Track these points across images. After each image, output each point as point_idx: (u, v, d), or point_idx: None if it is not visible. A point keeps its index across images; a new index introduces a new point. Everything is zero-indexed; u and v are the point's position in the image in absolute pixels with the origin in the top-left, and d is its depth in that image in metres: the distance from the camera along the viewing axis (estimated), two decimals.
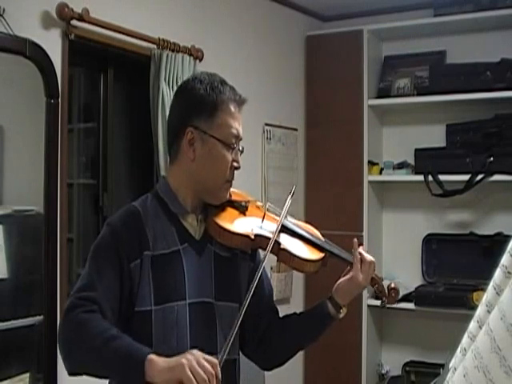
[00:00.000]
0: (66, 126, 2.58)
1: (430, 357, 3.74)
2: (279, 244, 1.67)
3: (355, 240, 1.78)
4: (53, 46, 2.49)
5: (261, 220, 1.73)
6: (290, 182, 3.91)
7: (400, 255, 4.02)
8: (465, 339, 0.94)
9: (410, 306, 3.71)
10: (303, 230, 1.78)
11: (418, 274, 3.91)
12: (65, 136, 2.55)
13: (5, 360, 2.41)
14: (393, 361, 3.91)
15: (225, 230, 1.64)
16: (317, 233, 1.83)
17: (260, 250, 1.74)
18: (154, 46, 2.89)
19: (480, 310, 0.92)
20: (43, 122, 2.45)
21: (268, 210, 1.79)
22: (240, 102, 1.67)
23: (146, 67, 2.89)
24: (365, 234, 3.87)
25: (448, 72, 3.73)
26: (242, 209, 1.73)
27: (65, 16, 2.50)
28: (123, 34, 2.76)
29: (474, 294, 3.44)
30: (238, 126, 1.65)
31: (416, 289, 3.77)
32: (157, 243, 1.58)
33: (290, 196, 1.77)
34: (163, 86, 2.85)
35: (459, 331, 1.03)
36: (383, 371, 3.92)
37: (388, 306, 1.90)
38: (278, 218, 1.72)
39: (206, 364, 1.36)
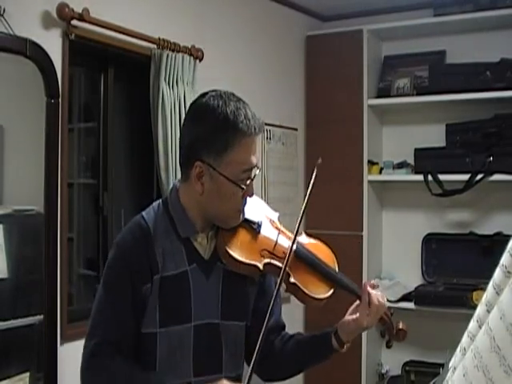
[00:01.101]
0: (66, 125, 2.58)
1: (430, 356, 3.75)
2: (289, 276, 1.61)
3: (365, 282, 1.70)
4: (53, 45, 2.49)
5: (274, 241, 1.65)
6: (290, 182, 3.91)
7: (400, 255, 4.02)
8: (464, 339, 0.94)
9: (410, 305, 3.71)
10: (317, 257, 1.70)
11: (417, 273, 3.91)
12: (65, 136, 2.55)
13: (5, 360, 2.40)
14: (393, 360, 3.91)
15: (233, 258, 1.57)
16: (331, 257, 1.75)
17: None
18: (154, 46, 2.89)
19: (480, 310, 0.92)
20: (43, 121, 2.45)
21: (283, 224, 1.71)
22: (256, 133, 1.54)
23: (146, 67, 2.89)
24: (365, 233, 3.87)
25: (448, 72, 3.73)
26: (255, 230, 1.64)
27: (65, 16, 2.49)
28: (123, 33, 2.76)
29: (474, 293, 3.44)
30: (252, 159, 1.55)
31: (416, 288, 3.77)
32: (165, 263, 1.55)
33: (314, 173, 1.70)
34: (163, 85, 2.85)
35: (459, 331, 1.03)
36: (383, 371, 3.92)
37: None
38: (291, 235, 1.64)
39: None
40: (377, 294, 1.65)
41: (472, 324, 0.93)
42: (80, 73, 3.03)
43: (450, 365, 0.96)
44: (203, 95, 1.57)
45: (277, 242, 1.65)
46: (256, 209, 1.69)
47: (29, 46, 2.34)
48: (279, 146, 3.90)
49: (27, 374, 2.44)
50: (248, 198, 1.60)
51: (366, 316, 1.63)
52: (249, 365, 1.75)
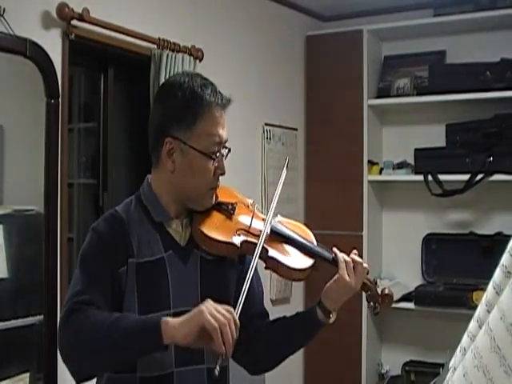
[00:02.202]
0: (66, 125, 2.58)
1: (430, 356, 3.75)
2: (267, 251, 1.61)
3: (334, 248, 1.68)
4: (53, 46, 2.49)
5: (249, 222, 1.66)
6: (290, 182, 3.91)
7: (400, 255, 4.02)
8: (464, 339, 0.94)
9: (410, 305, 3.72)
10: (293, 232, 1.71)
11: (417, 273, 3.91)
12: (65, 136, 2.55)
13: (5, 360, 2.41)
14: (393, 360, 3.91)
15: (209, 238, 1.58)
16: (308, 233, 1.75)
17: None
18: (154, 46, 2.89)
19: (480, 310, 0.92)
20: (43, 122, 2.45)
21: (257, 208, 1.72)
22: (223, 105, 1.58)
23: (146, 67, 2.89)
24: (365, 233, 3.87)
25: (448, 72, 3.73)
26: (228, 212, 1.66)
27: (65, 16, 2.50)
28: (123, 33, 2.76)
29: (474, 293, 3.44)
30: (221, 132, 1.57)
31: (416, 288, 3.77)
32: (141, 250, 1.55)
33: (284, 169, 1.70)
34: None
35: (459, 331, 1.03)
36: (383, 371, 3.92)
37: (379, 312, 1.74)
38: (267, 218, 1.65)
39: (222, 310, 1.36)
40: (355, 256, 1.64)
41: (472, 324, 0.93)
42: (80, 73, 3.04)
43: (450, 365, 0.96)
44: (169, 77, 1.61)
45: (252, 221, 1.66)
46: (229, 195, 1.72)
47: (29, 46, 2.34)
48: (279, 146, 3.90)
49: (27, 374, 2.45)
50: (221, 189, 1.63)
51: (346, 274, 1.60)
52: (233, 357, 1.72)
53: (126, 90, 3.12)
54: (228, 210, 1.66)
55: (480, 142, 3.59)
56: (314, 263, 1.65)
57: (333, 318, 1.63)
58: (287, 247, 1.66)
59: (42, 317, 2.46)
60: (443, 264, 3.86)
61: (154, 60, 2.89)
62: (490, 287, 0.90)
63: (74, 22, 2.55)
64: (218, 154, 1.57)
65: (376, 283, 1.76)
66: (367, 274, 1.68)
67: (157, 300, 1.54)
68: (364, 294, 1.70)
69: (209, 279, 1.61)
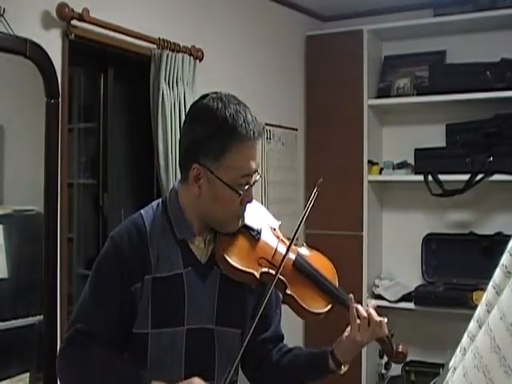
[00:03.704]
0: (66, 126, 2.58)
1: (430, 356, 3.74)
2: (286, 287, 1.57)
3: (351, 296, 1.62)
4: (53, 46, 2.49)
5: (273, 251, 1.60)
6: (290, 182, 3.91)
7: (400, 255, 4.02)
8: (464, 339, 0.94)
9: (410, 305, 3.71)
10: (317, 270, 1.65)
11: (417, 273, 3.91)
12: (65, 136, 2.55)
13: (5, 360, 2.40)
14: None
15: (231, 265, 1.54)
16: (331, 271, 1.69)
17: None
18: (154, 46, 2.89)
19: (480, 310, 0.92)
20: (43, 122, 2.45)
21: (283, 233, 1.67)
22: (255, 138, 1.50)
23: (146, 67, 2.89)
24: (365, 233, 3.87)
25: (448, 72, 3.73)
26: (254, 237, 1.60)
27: (65, 16, 2.49)
28: (123, 33, 2.75)
29: (474, 293, 3.44)
30: (251, 164, 1.50)
31: (416, 288, 3.77)
32: (159, 264, 1.53)
33: (314, 192, 1.65)
34: (163, 85, 2.85)
35: (459, 331, 1.03)
36: (383, 371, 3.92)
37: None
38: (293, 247, 1.60)
39: None
40: (372, 312, 1.60)
41: (472, 324, 0.93)
42: (80, 73, 3.04)
43: (450, 365, 0.96)
44: (204, 97, 1.55)
45: (276, 250, 1.61)
46: (257, 215, 1.65)
47: (29, 46, 2.34)
48: (279, 146, 3.90)
49: (27, 374, 2.44)
50: (249, 205, 1.57)
51: (357, 331, 1.58)
52: (243, 372, 1.73)
53: (126, 90, 3.12)
54: (253, 236, 1.61)
55: (480, 142, 3.59)
56: (331, 308, 1.62)
57: (344, 369, 1.62)
58: (308, 285, 1.62)
59: (41, 317, 2.46)
60: (443, 264, 3.86)
61: (153, 60, 2.89)
62: (490, 287, 0.90)
63: (74, 22, 2.54)
64: (246, 187, 1.51)
65: (392, 335, 1.68)
66: (386, 327, 1.63)
67: (170, 316, 1.54)
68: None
69: (226, 297, 1.59)
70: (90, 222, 3.02)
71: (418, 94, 3.80)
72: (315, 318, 1.62)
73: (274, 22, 3.89)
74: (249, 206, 1.58)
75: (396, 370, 3.87)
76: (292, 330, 1.86)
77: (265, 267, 1.57)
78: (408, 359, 3.84)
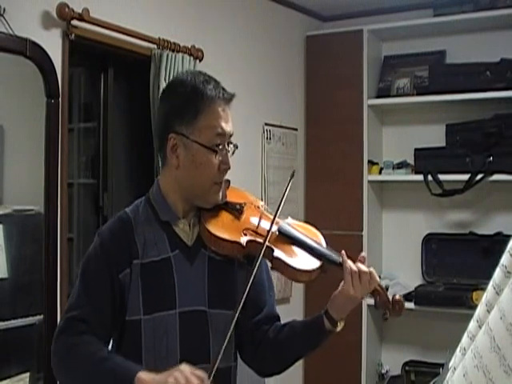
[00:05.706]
0: (66, 125, 2.58)
1: (430, 356, 3.75)
2: (272, 251, 1.59)
3: (343, 252, 1.62)
4: (53, 46, 2.49)
5: (257, 223, 1.65)
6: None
7: (400, 255, 4.02)
8: (464, 339, 0.94)
9: (410, 305, 3.71)
10: (302, 233, 1.68)
11: (417, 273, 3.91)
12: (65, 136, 2.55)
13: (5, 360, 2.41)
14: (393, 360, 3.91)
15: (215, 236, 1.57)
16: (317, 235, 1.71)
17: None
18: (154, 46, 2.89)
19: (480, 310, 0.92)
20: (43, 122, 2.45)
21: (267, 210, 1.71)
22: (226, 99, 1.59)
23: (146, 67, 2.90)
24: (365, 233, 3.87)
25: (448, 72, 3.73)
26: (236, 211, 1.65)
27: (65, 16, 2.50)
28: (123, 33, 2.76)
29: (474, 293, 3.44)
30: (224, 125, 1.57)
31: (416, 288, 3.77)
32: (147, 250, 1.56)
33: (289, 180, 1.69)
34: (163, 85, 2.85)
35: (459, 331, 1.03)
36: (383, 371, 3.92)
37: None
38: (277, 219, 1.63)
39: (194, 380, 1.35)
40: (360, 265, 1.59)
41: (472, 324, 0.93)
42: (80, 73, 3.04)
43: (450, 365, 0.96)
44: (174, 77, 1.64)
45: (260, 221, 1.66)
46: (239, 196, 1.72)
47: (29, 46, 2.34)
48: (279, 146, 3.90)
49: (27, 374, 2.45)
50: (232, 189, 1.64)
51: (351, 286, 1.56)
52: (242, 358, 1.73)
53: (126, 90, 3.12)
54: (236, 210, 1.66)
55: (480, 142, 3.59)
56: (321, 265, 1.62)
57: (340, 326, 1.61)
58: (294, 248, 1.64)
59: (41, 317, 2.46)
60: (443, 264, 3.85)
61: (154, 60, 2.89)
62: (489, 287, 0.90)
63: (74, 22, 2.55)
64: (221, 147, 1.57)
65: (387, 288, 1.70)
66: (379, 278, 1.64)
67: (162, 300, 1.55)
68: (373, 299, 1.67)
69: (216, 279, 1.61)
70: (90, 222, 3.02)
71: (418, 94, 3.80)
72: (308, 278, 1.61)
73: (274, 22, 3.89)
74: (231, 189, 1.66)
75: (396, 370, 3.88)
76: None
77: (250, 236, 1.61)
78: (408, 359, 3.87)
